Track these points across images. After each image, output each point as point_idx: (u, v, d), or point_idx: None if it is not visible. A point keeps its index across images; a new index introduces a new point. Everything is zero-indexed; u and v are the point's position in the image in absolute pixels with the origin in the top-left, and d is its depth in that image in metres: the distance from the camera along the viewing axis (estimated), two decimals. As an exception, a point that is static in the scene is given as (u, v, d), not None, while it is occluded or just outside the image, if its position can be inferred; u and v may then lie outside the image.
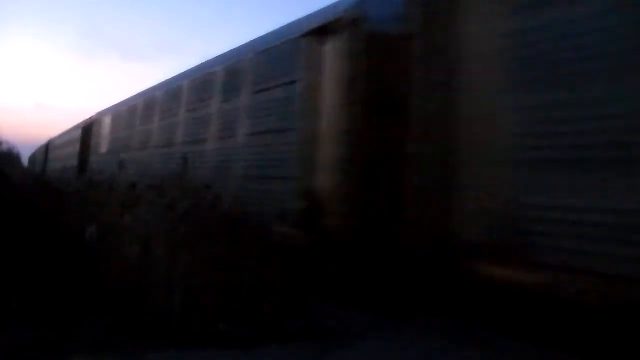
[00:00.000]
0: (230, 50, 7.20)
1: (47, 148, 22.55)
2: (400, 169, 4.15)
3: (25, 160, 28.94)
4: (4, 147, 15.95)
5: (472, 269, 3.51)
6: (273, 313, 3.51)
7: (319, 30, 5.25)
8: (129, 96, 11.94)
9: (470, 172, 3.58)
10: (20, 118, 70.33)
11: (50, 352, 2.98)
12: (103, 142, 13.26)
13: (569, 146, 2.99)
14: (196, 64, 8.39)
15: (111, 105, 13.58)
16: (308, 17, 5.63)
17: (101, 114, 14.12)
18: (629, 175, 2.71)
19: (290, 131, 5.39)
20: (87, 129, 15.04)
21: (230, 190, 5.79)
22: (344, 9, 5.00)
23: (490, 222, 3.36)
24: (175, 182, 4.57)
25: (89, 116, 15.36)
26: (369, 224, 4.35)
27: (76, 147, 15.66)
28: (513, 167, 3.31)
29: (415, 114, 4.06)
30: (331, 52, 5.06)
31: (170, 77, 9.53)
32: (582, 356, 2.85)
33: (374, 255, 4.19)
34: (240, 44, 6.92)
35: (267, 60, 6.01)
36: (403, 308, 3.94)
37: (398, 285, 3.97)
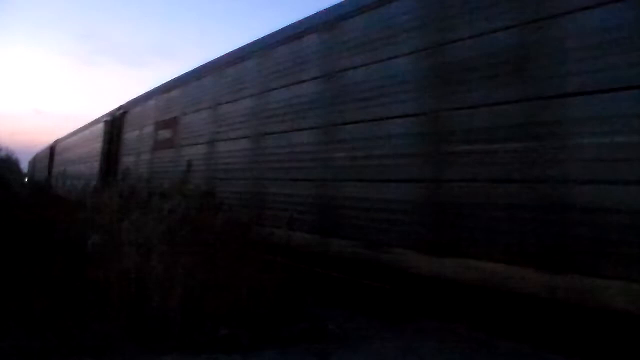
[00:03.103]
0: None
1: (35, 160, 30.92)
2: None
3: (24, 166, 35.13)
4: (3, 153, 16.53)
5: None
6: (273, 317, 3.56)
7: (105, 121, 13.86)
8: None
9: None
10: (19, 124, 73.86)
11: (51, 357, 3.02)
12: (58, 158, 22.06)
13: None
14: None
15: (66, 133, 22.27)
16: (108, 114, 14.25)
17: (58, 139, 22.90)
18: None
19: (96, 161, 14.04)
20: (52, 148, 23.61)
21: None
22: (110, 115, 13.62)
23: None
24: (176, 187, 4.86)
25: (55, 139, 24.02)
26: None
27: (47, 161, 24.03)
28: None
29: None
30: (106, 130, 13.68)
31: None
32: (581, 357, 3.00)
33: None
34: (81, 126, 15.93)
35: (90, 132, 14.79)
36: (400, 310, 4.09)
37: (394, 287, 4.21)
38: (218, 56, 7.97)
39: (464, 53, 3.89)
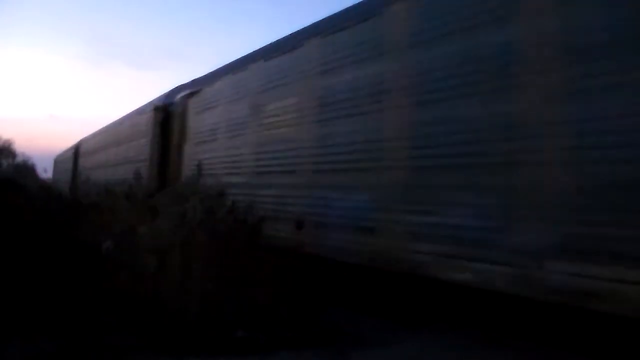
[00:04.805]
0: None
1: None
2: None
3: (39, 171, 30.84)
4: (20, 159, 16.17)
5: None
6: (289, 319, 3.50)
7: (154, 108, 11.19)
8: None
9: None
10: (35, 129, 74.21)
11: (68, 361, 2.94)
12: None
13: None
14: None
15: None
16: (153, 102, 11.59)
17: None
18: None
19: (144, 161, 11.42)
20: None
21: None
22: (159, 102, 10.94)
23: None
24: (190, 189, 4.72)
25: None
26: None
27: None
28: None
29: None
30: (156, 120, 10.99)
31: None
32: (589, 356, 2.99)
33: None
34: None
35: (134, 122, 12.21)
36: (416, 313, 4.01)
37: (410, 291, 4.08)
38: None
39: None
